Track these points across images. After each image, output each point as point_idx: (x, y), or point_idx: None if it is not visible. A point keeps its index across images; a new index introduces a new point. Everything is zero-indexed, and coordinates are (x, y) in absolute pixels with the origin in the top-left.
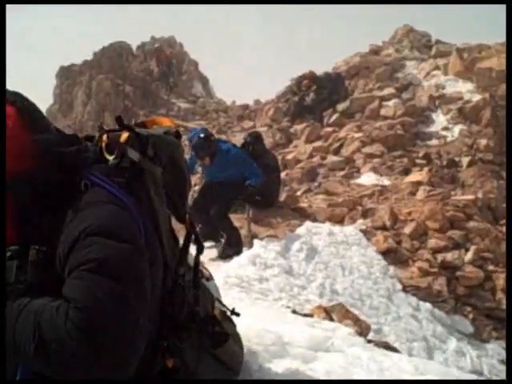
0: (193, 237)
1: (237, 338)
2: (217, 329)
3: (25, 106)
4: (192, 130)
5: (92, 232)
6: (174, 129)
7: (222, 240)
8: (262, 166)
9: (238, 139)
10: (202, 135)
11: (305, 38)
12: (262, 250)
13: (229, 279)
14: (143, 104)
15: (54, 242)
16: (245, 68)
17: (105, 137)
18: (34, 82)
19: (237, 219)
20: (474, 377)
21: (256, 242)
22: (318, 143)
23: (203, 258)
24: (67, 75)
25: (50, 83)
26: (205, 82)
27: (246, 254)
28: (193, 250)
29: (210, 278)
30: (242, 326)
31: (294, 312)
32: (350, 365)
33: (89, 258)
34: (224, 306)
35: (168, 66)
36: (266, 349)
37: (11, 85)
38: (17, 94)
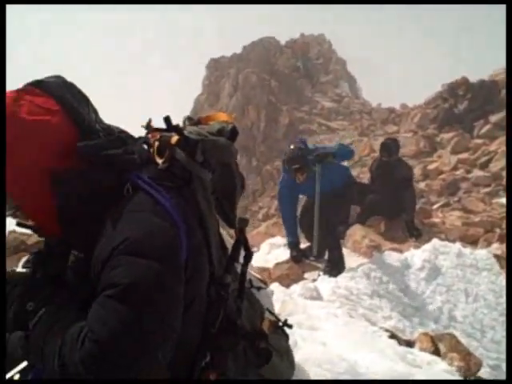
0: (242, 244)
1: (286, 353)
2: (262, 345)
3: (72, 105)
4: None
5: (122, 250)
6: (231, 125)
7: (325, 257)
8: (395, 177)
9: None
10: (298, 146)
11: (463, 41)
12: (379, 263)
13: (338, 290)
14: (287, 100)
15: (92, 251)
16: (396, 70)
17: (157, 138)
18: (187, 72)
19: (362, 228)
20: None
21: (374, 254)
22: (465, 155)
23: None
24: (216, 66)
25: (201, 74)
26: (352, 81)
27: (361, 266)
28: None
29: (261, 287)
30: (316, 348)
31: (392, 337)
32: None
33: (114, 282)
34: (276, 316)
35: (303, 56)
36: (335, 377)
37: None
38: (64, 88)
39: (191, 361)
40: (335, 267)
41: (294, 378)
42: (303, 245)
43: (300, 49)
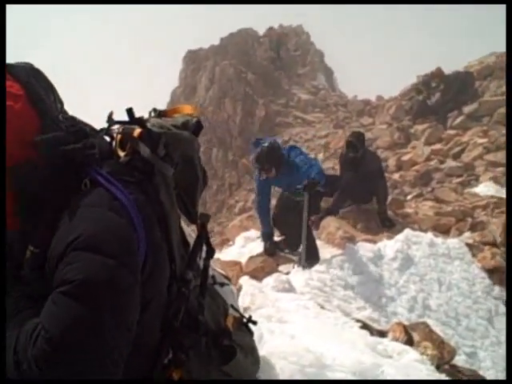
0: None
1: (250, 349)
2: (225, 342)
3: (36, 92)
4: (261, 140)
5: (77, 246)
6: (195, 118)
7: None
8: (364, 170)
9: None
10: (265, 145)
11: (437, 33)
12: (352, 254)
13: (311, 282)
14: (264, 92)
15: (47, 246)
16: (373, 62)
17: (120, 131)
18: (164, 64)
19: (336, 220)
20: None
21: (348, 245)
22: (438, 146)
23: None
24: (193, 59)
25: (178, 66)
26: (329, 73)
27: (335, 257)
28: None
29: (225, 283)
30: (283, 341)
31: (364, 327)
32: None
33: (67, 277)
34: (240, 313)
35: (280, 45)
36: (301, 370)
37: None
38: (31, 76)
39: (153, 359)
40: (309, 259)
41: (259, 371)
42: (277, 238)
43: (277, 37)
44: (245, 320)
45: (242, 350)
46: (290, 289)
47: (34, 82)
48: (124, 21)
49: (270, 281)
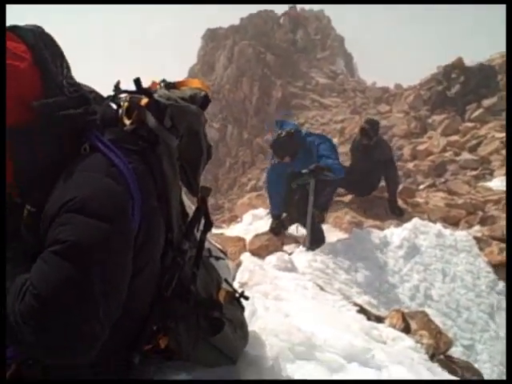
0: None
1: (239, 324)
2: (216, 314)
3: (43, 55)
4: (283, 123)
5: (71, 208)
6: (203, 92)
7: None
8: (376, 158)
9: None
10: (283, 134)
11: (460, 24)
12: (358, 239)
13: (314, 263)
14: (281, 74)
15: (43, 206)
16: (394, 50)
17: (127, 99)
18: (182, 40)
19: (344, 205)
20: None
21: (355, 230)
22: (455, 137)
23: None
24: (212, 38)
25: (197, 44)
26: (349, 59)
27: (340, 241)
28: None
29: (220, 257)
30: (277, 318)
31: (362, 312)
32: None
33: (59, 238)
34: (232, 287)
35: (294, 21)
36: (291, 348)
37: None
38: (38, 39)
39: (142, 324)
40: (315, 240)
41: (248, 347)
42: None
43: (295, 17)
44: (237, 295)
45: (232, 323)
46: (292, 268)
47: (42, 45)
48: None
49: (272, 259)
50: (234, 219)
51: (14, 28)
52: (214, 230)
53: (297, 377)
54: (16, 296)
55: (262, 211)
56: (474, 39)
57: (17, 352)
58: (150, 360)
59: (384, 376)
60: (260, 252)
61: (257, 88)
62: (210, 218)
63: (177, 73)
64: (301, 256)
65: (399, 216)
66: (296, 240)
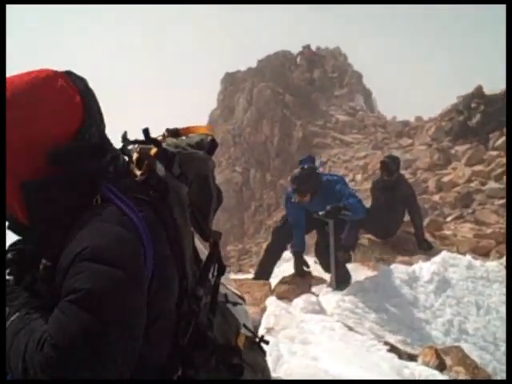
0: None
1: (261, 369)
2: (235, 360)
3: (91, 105)
4: (304, 161)
5: (84, 257)
6: (210, 137)
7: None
8: (399, 195)
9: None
10: (305, 166)
11: (477, 50)
12: (386, 276)
13: (343, 304)
14: (301, 114)
15: (58, 259)
16: (411, 82)
17: (137, 150)
18: (202, 86)
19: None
20: None
21: (382, 267)
22: (479, 167)
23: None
24: (231, 81)
25: (216, 89)
26: (367, 94)
27: (367, 279)
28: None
29: (238, 303)
30: (303, 362)
31: (393, 350)
32: None
33: (75, 287)
34: (252, 332)
35: (310, 61)
36: None
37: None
38: (87, 87)
39: (161, 375)
40: (341, 281)
41: None
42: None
43: (312, 57)
44: (257, 339)
45: (252, 369)
46: (320, 310)
47: (90, 96)
48: (165, 43)
49: (299, 302)
50: None
51: (69, 73)
52: (242, 276)
53: None
54: (35, 348)
55: (288, 254)
56: (491, 67)
57: None
58: None
59: None
60: (287, 295)
61: (277, 129)
62: (223, 262)
63: (197, 118)
64: (329, 297)
65: (427, 250)
66: (324, 281)
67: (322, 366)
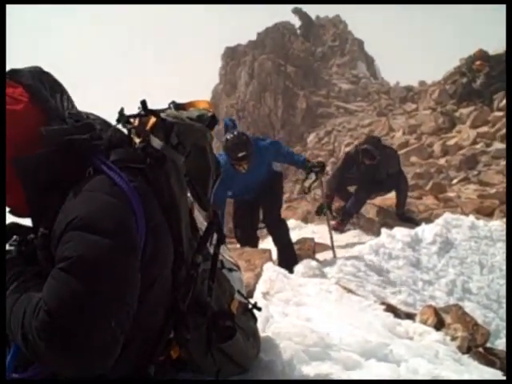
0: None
1: (251, 333)
2: (228, 323)
3: (39, 92)
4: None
5: (75, 225)
6: (210, 112)
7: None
8: (382, 177)
9: (399, 122)
10: (235, 132)
11: (477, 11)
12: (388, 239)
13: (345, 268)
14: (304, 84)
15: (53, 227)
16: (413, 46)
17: (137, 120)
18: (204, 61)
19: (374, 207)
20: None
21: (383, 230)
22: (484, 129)
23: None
24: (232, 56)
25: (217, 64)
26: (370, 62)
27: (369, 243)
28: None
29: (233, 269)
30: (291, 322)
31: (389, 310)
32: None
33: (65, 255)
34: (246, 298)
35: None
36: (305, 350)
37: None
38: (35, 78)
39: (157, 336)
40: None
41: (261, 352)
42: None
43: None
44: (250, 306)
45: (244, 332)
46: (320, 275)
47: (38, 83)
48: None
49: (299, 267)
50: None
51: (12, 73)
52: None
53: (307, 376)
54: (32, 314)
55: (293, 222)
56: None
57: (41, 368)
58: (164, 371)
59: (402, 369)
60: None
61: (280, 101)
62: (223, 232)
63: (201, 94)
64: (330, 262)
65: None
66: (327, 247)
67: (311, 326)
